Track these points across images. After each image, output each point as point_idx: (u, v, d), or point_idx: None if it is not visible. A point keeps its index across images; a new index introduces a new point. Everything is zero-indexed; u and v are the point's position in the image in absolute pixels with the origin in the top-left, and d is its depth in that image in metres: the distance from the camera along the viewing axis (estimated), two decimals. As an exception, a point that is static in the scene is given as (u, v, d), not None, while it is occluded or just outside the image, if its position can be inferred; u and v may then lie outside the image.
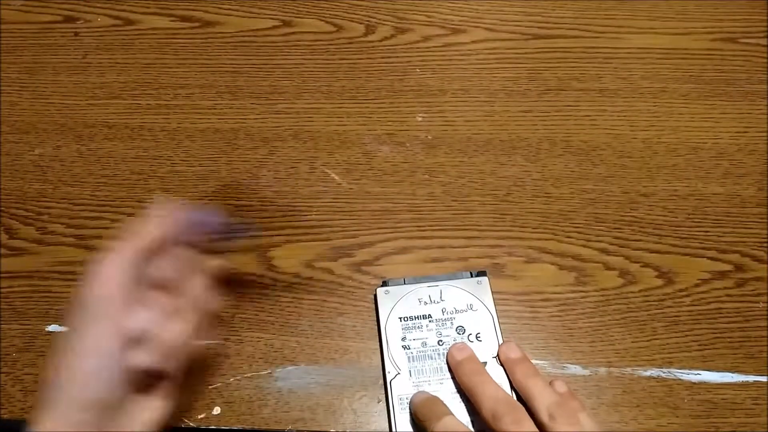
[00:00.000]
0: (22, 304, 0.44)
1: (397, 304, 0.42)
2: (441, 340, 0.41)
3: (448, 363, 0.40)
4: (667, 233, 0.47)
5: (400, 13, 0.60)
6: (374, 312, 0.43)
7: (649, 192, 0.49)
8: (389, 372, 0.40)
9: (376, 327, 0.42)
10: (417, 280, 0.43)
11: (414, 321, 0.41)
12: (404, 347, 0.40)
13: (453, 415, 0.36)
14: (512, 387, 0.38)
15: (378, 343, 0.42)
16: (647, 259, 0.46)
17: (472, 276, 0.44)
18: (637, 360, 0.42)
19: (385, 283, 0.43)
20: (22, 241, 0.47)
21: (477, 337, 0.41)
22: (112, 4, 0.60)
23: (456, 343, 0.40)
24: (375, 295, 0.43)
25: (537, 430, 0.34)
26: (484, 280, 0.43)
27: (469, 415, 0.38)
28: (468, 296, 0.43)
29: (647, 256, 0.46)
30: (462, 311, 0.42)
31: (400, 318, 0.41)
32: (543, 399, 0.35)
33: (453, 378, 0.39)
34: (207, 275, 0.34)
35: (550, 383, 0.38)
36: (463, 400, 0.38)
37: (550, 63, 0.56)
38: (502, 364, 0.40)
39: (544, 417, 0.34)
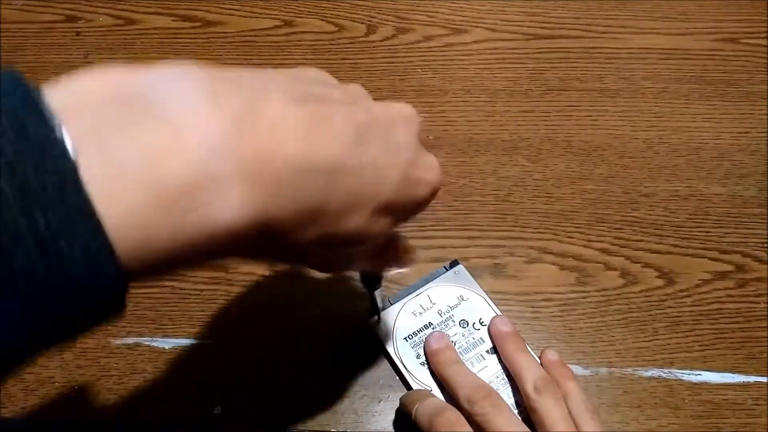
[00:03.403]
0: (24, 303, 0.44)
1: (395, 326, 0.41)
2: (452, 341, 0.40)
3: (425, 351, 0.40)
4: (668, 233, 0.47)
5: (402, 13, 0.60)
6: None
7: (650, 192, 0.49)
8: None
9: (382, 354, 0.41)
10: (399, 296, 0.43)
11: (420, 335, 0.41)
12: (422, 364, 0.40)
13: (435, 396, 0.37)
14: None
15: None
16: (648, 260, 0.46)
17: (447, 270, 0.44)
18: (638, 360, 0.42)
19: (374, 314, 0.41)
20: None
21: (481, 323, 0.41)
22: (114, 3, 0.60)
23: (433, 332, 0.40)
24: (369, 326, 0.42)
25: (513, 411, 0.35)
26: (460, 268, 0.44)
27: (514, 396, 0.38)
28: (454, 289, 0.43)
29: (648, 256, 0.46)
30: (456, 306, 0.42)
31: (406, 338, 0.41)
32: (530, 373, 0.36)
33: (489, 362, 0.39)
34: None
35: (543, 352, 0.39)
36: (505, 381, 0.39)
37: (551, 63, 0.56)
38: (491, 336, 0.40)
39: (530, 390, 0.35)
